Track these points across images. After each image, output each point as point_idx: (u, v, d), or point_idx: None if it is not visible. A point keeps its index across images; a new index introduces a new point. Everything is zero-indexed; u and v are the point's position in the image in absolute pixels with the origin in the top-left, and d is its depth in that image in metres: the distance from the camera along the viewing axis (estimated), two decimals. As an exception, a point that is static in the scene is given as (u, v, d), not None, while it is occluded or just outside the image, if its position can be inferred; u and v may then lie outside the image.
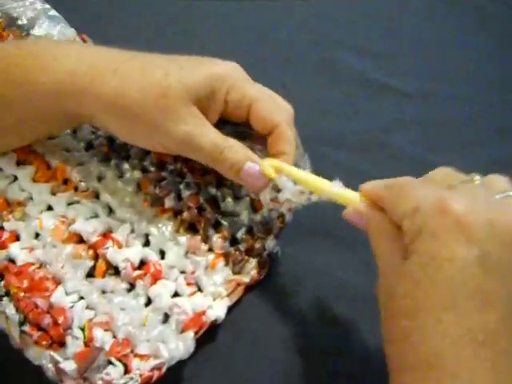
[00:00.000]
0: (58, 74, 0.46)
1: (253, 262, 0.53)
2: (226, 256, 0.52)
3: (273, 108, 0.49)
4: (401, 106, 0.73)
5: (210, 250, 0.53)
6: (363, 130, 0.70)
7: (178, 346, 0.47)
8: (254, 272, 0.53)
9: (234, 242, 0.54)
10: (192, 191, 0.54)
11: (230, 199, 0.54)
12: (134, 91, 0.46)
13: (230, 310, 0.51)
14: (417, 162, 0.67)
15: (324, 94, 0.73)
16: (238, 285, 0.52)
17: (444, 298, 0.35)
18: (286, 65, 0.75)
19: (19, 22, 0.64)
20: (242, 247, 0.53)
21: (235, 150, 0.48)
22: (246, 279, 0.52)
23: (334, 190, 0.46)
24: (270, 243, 0.53)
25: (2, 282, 0.50)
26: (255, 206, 0.55)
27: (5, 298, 0.49)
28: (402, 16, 0.84)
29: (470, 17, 0.84)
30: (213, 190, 0.54)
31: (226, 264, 0.52)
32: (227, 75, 0.48)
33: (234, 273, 0.52)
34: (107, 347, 0.46)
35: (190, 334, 0.47)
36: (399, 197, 0.40)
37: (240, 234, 0.53)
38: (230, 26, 0.79)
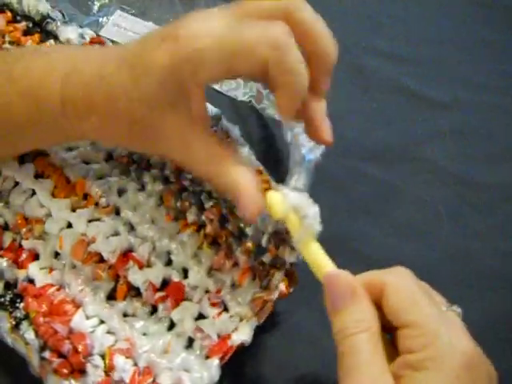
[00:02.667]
0: (53, 115, 0.46)
1: (278, 275, 0.49)
2: (252, 270, 0.49)
3: (246, 55, 0.39)
4: (435, 116, 0.69)
5: (235, 265, 0.49)
6: (396, 142, 0.66)
7: (203, 375, 0.44)
8: (282, 286, 0.49)
9: (258, 252, 0.50)
10: (213, 201, 0.51)
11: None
12: (108, 128, 0.44)
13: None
14: (453, 176, 0.63)
15: (355, 102, 0.70)
16: (265, 302, 0.48)
17: None
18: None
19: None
20: (266, 259, 0.49)
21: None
22: (274, 296, 0.48)
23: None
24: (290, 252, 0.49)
25: (21, 305, 0.48)
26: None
27: (24, 322, 0.48)
28: (436, 21, 0.79)
29: (510, 24, 0.78)
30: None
31: (253, 279, 0.49)
32: (185, 56, 0.38)
33: (262, 288, 0.49)
34: (128, 376, 0.44)
35: (215, 361, 0.45)
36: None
37: (265, 241, 0.49)
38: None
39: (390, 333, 0.38)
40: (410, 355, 0.35)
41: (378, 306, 0.38)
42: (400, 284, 0.38)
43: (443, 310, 0.38)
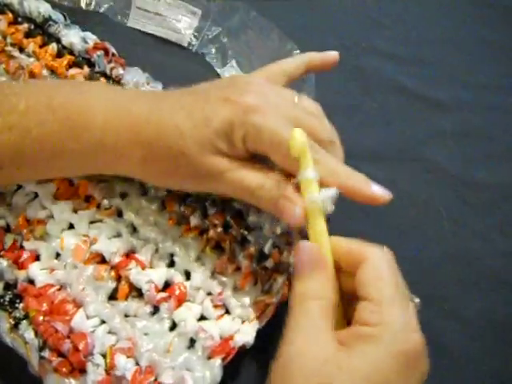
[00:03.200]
0: (91, 144, 0.46)
1: (280, 279, 0.49)
2: (254, 275, 0.49)
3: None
4: (435, 116, 0.69)
5: (238, 269, 0.49)
6: (397, 142, 0.67)
7: (205, 374, 0.44)
8: (283, 290, 0.49)
9: (261, 257, 0.50)
10: (217, 208, 0.51)
11: (254, 212, 0.51)
12: (158, 160, 0.46)
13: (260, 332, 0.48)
14: (453, 176, 0.64)
15: (355, 103, 0.70)
16: (267, 305, 0.48)
17: None
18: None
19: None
20: (268, 264, 0.49)
21: (268, 188, 0.45)
22: (276, 299, 0.48)
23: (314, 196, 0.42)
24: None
25: (21, 305, 0.48)
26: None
27: (23, 322, 0.47)
28: (436, 21, 0.80)
29: (510, 24, 0.80)
30: (238, 205, 0.51)
31: (255, 283, 0.49)
32: (241, 122, 0.44)
33: (263, 292, 0.49)
34: (129, 375, 0.44)
35: (218, 361, 0.45)
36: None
37: (267, 248, 0.50)
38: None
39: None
40: (364, 327, 0.37)
41: (352, 273, 0.40)
42: (378, 261, 0.39)
43: (406, 299, 0.39)
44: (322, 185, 0.42)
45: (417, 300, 0.42)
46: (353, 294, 0.40)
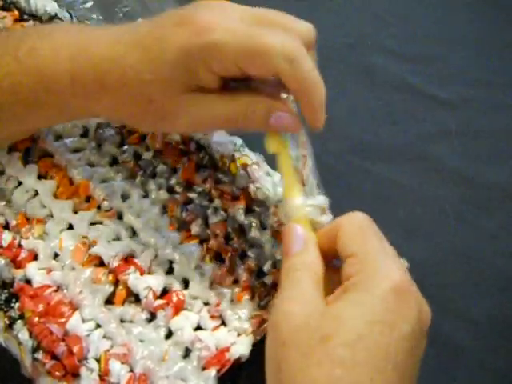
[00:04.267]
0: (62, 95, 0.46)
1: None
2: (252, 289, 0.49)
3: (264, 58, 0.40)
4: (441, 114, 0.69)
5: (236, 281, 0.49)
6: (402, 140, 0.66)
7: (199, 385, 0.43)
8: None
9: (260, 273, 0.50)
10: (220, 218, 0.50)
11: (256, 229, 0.51)
12: (124, 107, 0.45)
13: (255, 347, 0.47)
14: (459, 174, 0.63)
15: (361, 100, 0.69)
16: (264, 321, 0.48)
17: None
18: (322, 69, 0.72)
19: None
20: (267, 281, 0.49)
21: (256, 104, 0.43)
22: (273, 315, 0.48)
23: (296, 203, 0.43)
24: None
25: (17, 304, 0.47)
26: (277, 238, 0.51)
27: (18, 322, 0.47)
28: (442, 19, 0.79)
29: None
30: (241, 218, 0.51)
31: (252, 298, 0.48)
32: (198, 43, 0.40)
33: (260, 307, 0.48)
34: (123, 382, 0.44)
35: (212, 372, 0.44)
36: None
37: (266, 268, 0.49)
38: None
39: None
40: (347, 281, 0.37)
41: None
42: (351, 222, 0.40)
43: (391, 250, 0.40)
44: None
45: (405, 263, 0.43)
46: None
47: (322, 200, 0.45)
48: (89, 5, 0.71)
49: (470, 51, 0.74)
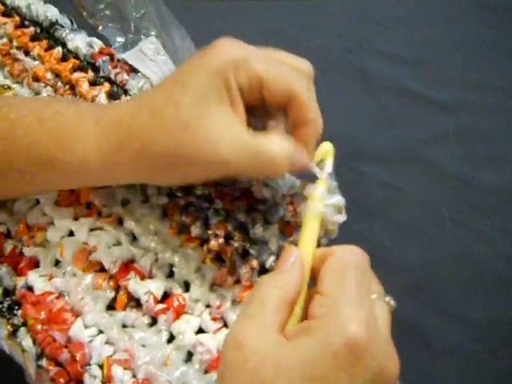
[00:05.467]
0: (82, 155, 0.45)
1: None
2: (254, 288, 0.49)
3: (284, 77, 0.44)
4: (439, 118, 0.69)
5: (238, 281, 0.49)
6: (399, 144, 0.67)
7: (201, 389, 0.44)
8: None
9: (262, 271, 0.50)
10: (220, 218, 0.50)
11: (260, 225, 0.51)
12: (157, 145, 0.44)
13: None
14: (456, 178, 0.64)
15: (359, 104, 0.70)
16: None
17: None
18: (320, 73, 0.72)
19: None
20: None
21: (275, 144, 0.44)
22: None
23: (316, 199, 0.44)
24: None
25: (19, 312, 0.48)
26: (285, 232, 0.51)
27: (22, 329, 0.47)
28: (439, 23, 0.79)
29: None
30: (242, 216, 0.51)
31: (254, 297, 0.48)
32: (227, 59, 0.43)
33: (262, 306, 0.48)
34: (126, 388, 0.44)
35: (214, 375, 0.44)
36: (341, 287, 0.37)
37: (269, 263, 0.49)
38: (262, 32, 0.76)
39: None
40: (311, 321, 0.36)
41: None
42: (340, 258, 0.38)
43: (371, 297, 0.38)
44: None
45: (392, 302, 0.41)
46: None
47: (339, 199, 0.45)
48: (108, 12, 0.71)
49: (467, 55, 0.74)
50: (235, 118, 0.43)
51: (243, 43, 0.45)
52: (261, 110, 0.47)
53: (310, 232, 0.43)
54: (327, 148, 0.46)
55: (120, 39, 0.69)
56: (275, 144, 0.44)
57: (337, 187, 0.46)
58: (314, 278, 0.40)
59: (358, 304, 0.36)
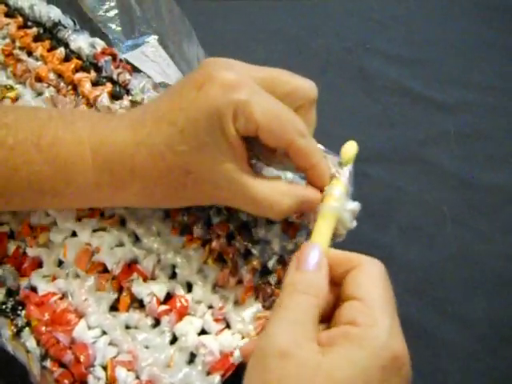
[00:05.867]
0: (84, 187, 0.46)
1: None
2: (256, 289, 0.49)
3: (280, 128, 0.42)
4: (439, 118, 0.69)
5: (240, 282, 0.49)
6: (400, 144, 0.67)
7: (204, 391, 0.44)
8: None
9: (264, 272, 0.50)
10: (222, 218, 0.51)
11: (262, 225, 0.51)
12: (159, 187, 0.45)
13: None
14: (457, 178, 0.64)
15: (359, 104, 0.70)
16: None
17: None
18: (320, 73, 0.72)
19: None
20: (272, 280, 0.49)
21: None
22: (277, 315, 0.48)
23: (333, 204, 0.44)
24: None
25: (23, 312, 0.48)
26: (288, 233, 0.51)
27: (25, 330, 0.48)
28: (439, 23, 0.80)
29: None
30: (244, 216, 0.51)
31: (256, 298, 0.49)
32: (224, 105, 0.41)
33: (264, 308, 0.49)
34: (130, 389, 0.44)
35: (217, 377, 0.45)
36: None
37: (271, 264, 0.50)
38: (262, 32, 0.76)
39: None
40: (352, 327, 0.35)
41: (338, 282, 0.39)
42: (373, 267, 0.39)
43: (395, 309, 0.38)
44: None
45: None
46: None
47: (357, 205, 0.46)
48: (112, 13, 0.71)
49: (467, 55, 0.74)
50: (235, 160, 0.43)
51: (241, 67, 0.44)
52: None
53: (324, 230, 0.43)
54: (353, 152, 0.46)
55: (123, 40, 0.69)
56: (277, 195, 0.44)
57: (350, 193, 0.47)
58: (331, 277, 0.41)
59: (395, 316, 0.37)
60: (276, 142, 0.43)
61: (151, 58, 0.66)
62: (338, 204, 0.44)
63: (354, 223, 0.46)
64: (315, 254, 0.40)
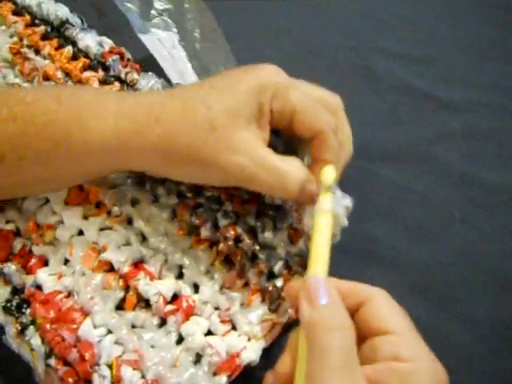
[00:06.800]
0: (101, 134, 0.45)
1: (289, 300, 0.49)
2: (263, 292, 0.49)
3: (315, 115, 0.46)
4: (446, 117, 0.69)
5: (246, 284, 0.49)
6: (406, 143, 0.66)
7: (210, 391, 0.44)
8: (291, 311, 0.49)
9: (270, 276, 0.50)
10: (230, 221, 0.50)
11: (269, 230, 0.51)
12: (181, 136, 0.44)
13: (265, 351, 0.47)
14: (464, 177, 0.63)
15: (365, 102, 0.70)
16: (274, 324, 0.48)
17: None
18: (327, 72, 0.72)
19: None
20: (278, 283, 0.49)
21: (294, 173, 0.46)
22: (283, 319, 0.48)
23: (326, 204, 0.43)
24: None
25: (28, 310, 0.48)
26: (292, 238, 0.51)
27: (30, 328, 0.47)
28: (446, 22, 0.80)
29: None
30: (252, 221, 0.51)
31: (263, 301, 0.49)
32: (268, 83, 0.45)
33: (271, 311, 0.48)
34: (135, 389, 0.44)
35: (223, 378, 0.45)
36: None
37: (277, 268, 0.49)
38: (268, 32, 0.76)
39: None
40: (397, 363, 0.35)
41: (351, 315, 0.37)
42: (387, 298, 0.38)
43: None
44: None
45: None
46: None
47: (349, 201, 0.46)
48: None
49: (474, 53, 0.74)
50: (259, 136, 0.45)
51: (286, 74, 0.48)
52: (286, 137, 0.49)
53: (322, 239, 0.42)
54: (332, 177, 0.44)
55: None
56: (292, 166, 0.46)
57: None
58: None
59: (420, 340, 0.37)
60: (307, 129, 0.45)
61: (167, 49, 0.66)
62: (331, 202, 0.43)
63: (346, 221, 0.45)
64: (323, 284, 0.38)
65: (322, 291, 0.37)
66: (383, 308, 0.37)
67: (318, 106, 0.47)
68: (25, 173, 0.48)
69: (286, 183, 0.45)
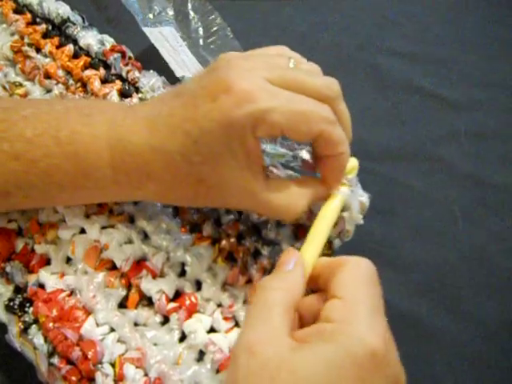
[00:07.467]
0: (102, 182, 0.46)
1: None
2: (266, 288, 0.48)
3: (306, 124, 0.41)
4: (450, 116, 0.69)
5: (249, 281, 0.49)
6: (412, 142, 0.66)
7: (213, 388, 0.44)
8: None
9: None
10: (232, 217, 0.50)
11: (272, 226, 0.51)
12: (171, 193, 0.46)
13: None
14: (468, 176, 0.64)
15: (370, 102, 0.70)
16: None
17: None
18: (331, 70, 0.71)
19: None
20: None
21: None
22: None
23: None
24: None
25: (31, 309, 0.48)
26: (298, 234, 0.51)
27: (33, 326, 0.47)
28: (451, 21, 0.79)
29: None
30: (255, 217, 0.51)
31: (265, 297, 0.48)
32: (241, 118, 0.40)
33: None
34: (138, 387, 0.44)
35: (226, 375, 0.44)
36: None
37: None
38: (272, 29, 0.76)
39: None
40: (325, 324, 0.35)
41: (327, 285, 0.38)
42: (357, 265, 0.38)
43: (380, 309, 0.37)
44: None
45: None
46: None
47: (366, 198, 0.46)
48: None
49: (479, 53, 0.74)
50: (248, 170, 0.43)
51: (248, 65, 0.42)
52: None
53: (328, 214, 0.44)
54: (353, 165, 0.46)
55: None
56: (290, 198, 0.45)
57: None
58: (319, 284, 0.40)
59: (376, 314, 0.36)
60: (305, 137, 0.42)
61: (170, 42, 0.66)
62: (348, 189, 0.45)
63: (361, 219, 0.45)
64: (292, 256, 0.40)
65: (289, 259, 0.40)
66: (345, 274, 0.37)
67: (307, 107, 0.42)
68: (29, 205, 0.51)
69: (286, 214, 0.45)
